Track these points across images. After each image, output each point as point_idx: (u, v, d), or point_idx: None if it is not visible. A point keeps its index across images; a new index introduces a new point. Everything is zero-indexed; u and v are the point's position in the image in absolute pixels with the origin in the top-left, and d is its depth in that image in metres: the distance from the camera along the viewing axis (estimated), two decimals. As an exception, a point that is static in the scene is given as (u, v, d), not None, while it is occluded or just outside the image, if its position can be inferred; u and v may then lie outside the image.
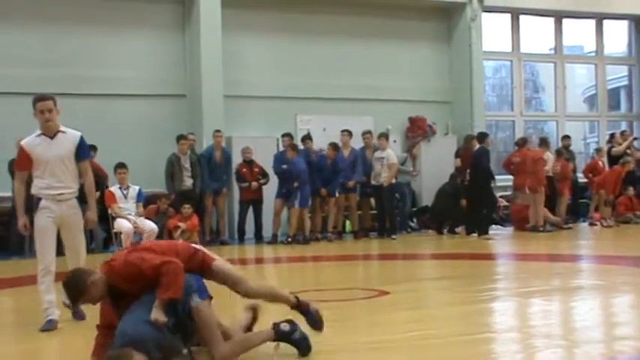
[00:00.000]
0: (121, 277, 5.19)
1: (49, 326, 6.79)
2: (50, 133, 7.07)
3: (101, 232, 14.73)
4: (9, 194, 14.45)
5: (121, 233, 12.91)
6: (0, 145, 14.43)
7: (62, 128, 7.15)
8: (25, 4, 15.93)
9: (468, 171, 16.05)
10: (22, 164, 7.19)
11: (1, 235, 14.91)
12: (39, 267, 7.10)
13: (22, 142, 7.19)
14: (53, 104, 7.07)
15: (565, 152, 18.28)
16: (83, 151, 7.27)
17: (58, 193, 7.06)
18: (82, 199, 7.33)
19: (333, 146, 16.12)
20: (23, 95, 15.46)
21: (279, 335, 5.58)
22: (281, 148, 16.25)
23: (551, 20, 21.59)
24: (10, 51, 15.72)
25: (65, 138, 7.13)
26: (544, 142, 17.78)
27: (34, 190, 7.10)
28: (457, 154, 17.48)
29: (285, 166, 15.54)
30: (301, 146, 16.08)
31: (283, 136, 16.06)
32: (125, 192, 13.20)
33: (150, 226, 12.61)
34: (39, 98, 7.10)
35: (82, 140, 7.22)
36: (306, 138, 16.25)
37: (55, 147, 7.05)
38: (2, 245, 14.79)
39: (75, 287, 5.26)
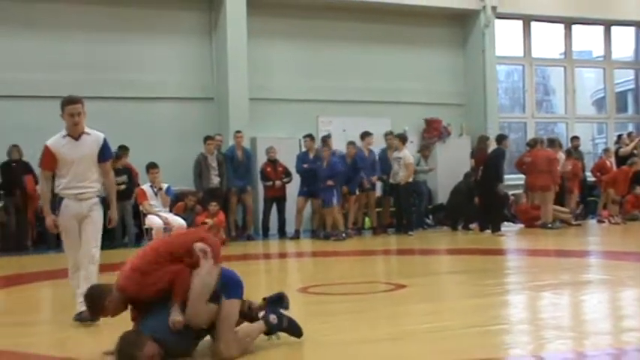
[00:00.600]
0: (130, 296, 5.26)
1: (82, 317, 6.83)
2: (76, 134, 6.96)
3: (134, 228, 14.87)
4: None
5: (152, 229, 13.02)
6: (41, 146, 14.44)
7: (87, 130, 7.04)
8: (63, 13, 16.10)
9: (480, 169, 16.02)
10: (48, 164, 7.05)
11: (39, 231, 15.02)
12: (69, 264, 7.11)
13: (48, 143, 7.06)
14: (82, 107, 6.95)
15: (574, 152, 18.28)
16: (106, 152, 7.18)
17: (79, 192, 6.96)
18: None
19: (352, 145, 16.20)
20: (59, 99, 15.70)
21: (270, 327, 5.59)
22: (303, 149, 16.31)
23: (561, 26, 21.54)
24: (49, 57, 15.88)
25: (89, 139, 7.02)
26: (554, 143, 17.71)
27: (57, 190, 7.04)
28: (472, 155, 17.44)
29: (305, 165, 15.64)
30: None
31: (305, 137, 16.13)
32: (156, 190, 13.29)
33: (179, 221, 12.70)
34: (68, 101, 6.99)
35: (105, 142, 7.12)
36: (326, 138, 16.33)
37: (79, 148, 6.95)
38: (41, 239, 14.92)
39: (94, 307, 5.43)
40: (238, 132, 15.94)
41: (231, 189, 15.68)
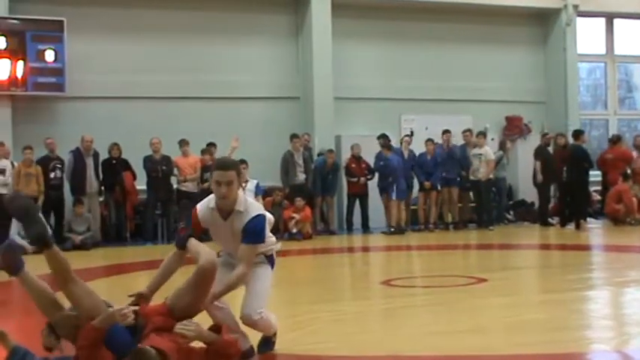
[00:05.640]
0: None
1: None
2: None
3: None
4: (144, 187, 15.03)
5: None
6: (138, 144, 14.85)
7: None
8: (156, 20, 16.37)
9: (565, 168, 15.68)
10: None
11: (137, 224, 15.34)
12: None
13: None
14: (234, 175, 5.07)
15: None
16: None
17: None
18: None
19: (431, 142, 16.22)
20: (156, 99, 16.17)
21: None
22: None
23: (644, 23, 20.94)
24: (144, 60, 16.19)
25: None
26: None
27: None
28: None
29: (382, 163, 15.69)
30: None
31: (378, 138, 16.05)
32: (244, 185, 13.43)
33: (267, 216, 12.79)
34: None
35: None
36: (406, 136, 16.32)
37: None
38: (138, 232, 15.25)
39: None
40: (330, 151, 16.05)
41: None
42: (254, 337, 5.26)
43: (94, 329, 4.45)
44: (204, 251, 4.87)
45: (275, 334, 5.42)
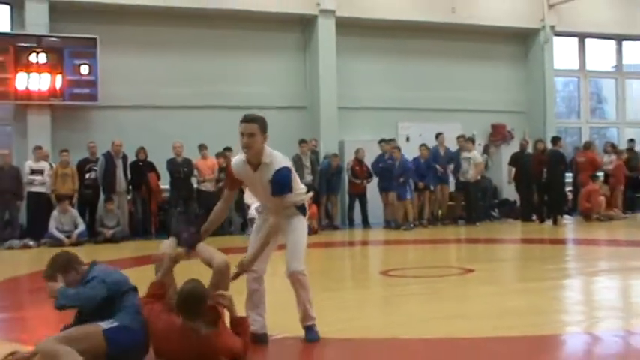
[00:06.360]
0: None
1: None
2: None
3: (238, 219, 15.08)
4: (167, 187, 15.10)
5: (254, 219, 13.20)
6: (163, 148, 14.92)
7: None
8: (179, 37, 16.37)
9: (544, 170, 15.80)
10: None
11: (161, 219, 15.40)
12: None
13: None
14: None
15: (629, 153, 17.99)
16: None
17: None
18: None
19: (425, 147, 16.28)
20: (178, 108, 16.24)
21: None
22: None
23: (612, 42, 21.05)
24: (167, 73, 16.20)
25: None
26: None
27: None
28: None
29: (381, 165, 15.77)
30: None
31: (380, 142, 16.14)
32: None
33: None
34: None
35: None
36: (390, 141, 16.41)
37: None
38: (162, 227, 15.30)
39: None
40: (335, 155, 16.08)
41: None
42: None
43: None
44: (216, 254, 4.94)
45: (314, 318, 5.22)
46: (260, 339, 5.10)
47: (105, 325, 4.33)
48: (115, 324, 4.36)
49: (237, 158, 5.22)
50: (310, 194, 5.54)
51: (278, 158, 5.10)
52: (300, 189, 5.28)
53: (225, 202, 5.31)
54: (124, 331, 4.37)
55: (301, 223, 5.23)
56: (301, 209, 5.25)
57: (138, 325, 4.49)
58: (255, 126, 5.01)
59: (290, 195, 5.06)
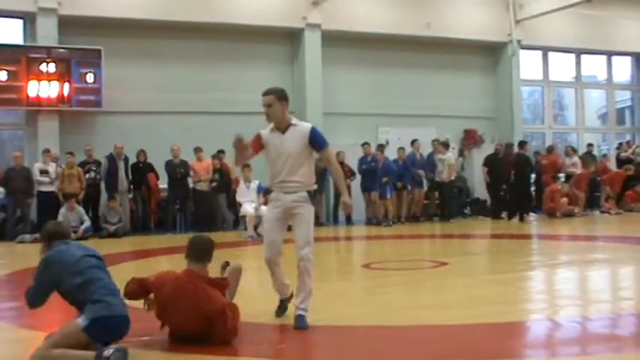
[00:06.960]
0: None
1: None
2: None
3: (231, 215, 15.04)
4: (165, 186, 15.05)
5: (245, 216, 13.20)
6: (161, 150, 14.85)
7: (293, 121, 5.35)
8: (176, 49, 16.32)
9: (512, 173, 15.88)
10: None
11: (159, 216, 15.34)
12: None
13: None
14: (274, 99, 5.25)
15: (587, 156, 18.06)
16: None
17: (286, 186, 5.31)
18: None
19: (402, 150, 16.30)
20: (176, 113, 16.19)
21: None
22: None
23: (572, 56, 21.32)
24: (166, 82, 16.14)
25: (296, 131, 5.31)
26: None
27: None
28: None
29: (364, 166, 15.75)
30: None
31: (363, 144, 16.16)
32: (247, 185, 13.51)
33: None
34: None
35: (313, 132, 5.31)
36: (380, 146, 16.41)
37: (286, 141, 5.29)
38: (161, 223, 15.25)
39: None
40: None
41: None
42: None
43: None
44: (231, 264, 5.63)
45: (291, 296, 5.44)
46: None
47: (81, 322, 4.22)
48: (88, 320, 4.22)
49: (266, 130, 5.32)
50: (315, 186, 5.66)
51: (302, 122, 5.36)
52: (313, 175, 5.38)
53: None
54: (99, 322, 4.23)
55: (311, 214, 5.25)
56: (310, 195, 5.28)
57: (111, 308, 4.32)
58: (272, 97, 5.20)
59: (330, 149, 5.33)
